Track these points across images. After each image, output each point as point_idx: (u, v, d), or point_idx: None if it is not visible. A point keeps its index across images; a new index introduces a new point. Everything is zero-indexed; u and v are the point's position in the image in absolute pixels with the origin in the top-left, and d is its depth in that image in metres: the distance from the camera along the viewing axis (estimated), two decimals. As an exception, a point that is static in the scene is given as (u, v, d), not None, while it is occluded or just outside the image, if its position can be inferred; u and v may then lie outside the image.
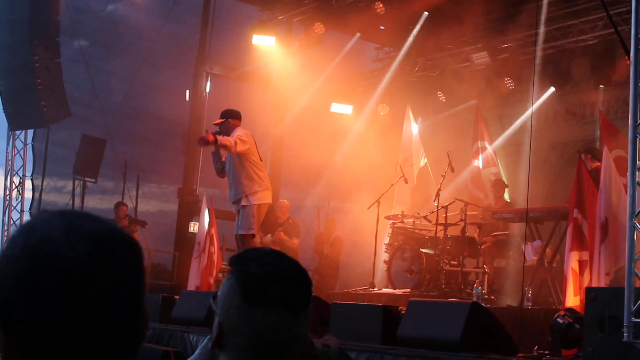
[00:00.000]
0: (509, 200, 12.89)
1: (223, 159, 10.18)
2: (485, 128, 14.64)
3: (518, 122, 15.50)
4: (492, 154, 14.40)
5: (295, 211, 17.61)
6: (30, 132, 17.51)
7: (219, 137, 9.61)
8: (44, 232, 1.33)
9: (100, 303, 1.30)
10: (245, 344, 1.86)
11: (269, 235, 14.40)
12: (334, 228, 15.66)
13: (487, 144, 14.50)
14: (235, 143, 9.64)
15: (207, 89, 17.72)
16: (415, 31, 15.91)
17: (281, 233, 14.32)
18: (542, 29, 13.93)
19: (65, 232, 1.32)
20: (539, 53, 14.31)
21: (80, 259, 1.29)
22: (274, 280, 1.87)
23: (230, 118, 10.07)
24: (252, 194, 9.87)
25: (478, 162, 14.41)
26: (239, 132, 9.82)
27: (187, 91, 17.59)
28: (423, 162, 14.62)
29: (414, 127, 15.00)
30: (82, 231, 1.33)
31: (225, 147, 9.67)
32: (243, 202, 9.91)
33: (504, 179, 13.70)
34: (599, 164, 10.47)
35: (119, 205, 15.40)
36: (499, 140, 15.53)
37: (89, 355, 1.30)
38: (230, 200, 10.11)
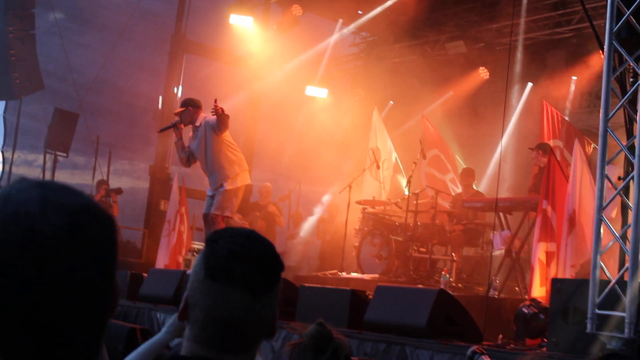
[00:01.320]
0: (477, 190, 12.97)
1: (187, 145, 10.13)
2: (435, 136, 14.46)
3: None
4: (445, 160, 14.22)
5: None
6: (2, 103, 17.34)
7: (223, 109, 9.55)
8: (19, 203, 1.32)
9: (71, 278, 1.30)
10: (204, 319, 1.86)
11: (255, 212, 14.47)
12: (336, 214, 15.60)
13: (438, 152, 14.38)
14: (226, 126, 9.67)
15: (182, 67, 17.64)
16: (380, 9, 15.82)
17: (273, 207, 14.39)
18: (522, 19, 14.00)
19: (41, 205, 1.31)
20: (519, 44, 14.41)
21: (54, 233, 1.29)
22: (237, 259, 1.86)
23: (191, 106, 9.99)
24: (235, 176, 9.83)
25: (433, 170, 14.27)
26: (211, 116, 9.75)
27: (160, 97, 17.43)
28: (394, 158, 14.55)
29: (380, 130, 14.88)
30: (57, 204, 1.32)
31: (224, 120, 9.59)
32: (226, 186, 9.84)
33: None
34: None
35: (101, 183, 15.24)
36: (474, 130, 15.54)
37: (57, 329, 1.30)
38: (212, 187, 9.99)
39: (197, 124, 9.90)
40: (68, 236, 1.30)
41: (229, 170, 9.80)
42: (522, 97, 15.28)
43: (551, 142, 12.31)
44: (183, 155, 10.14)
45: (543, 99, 12.44)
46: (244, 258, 1.87)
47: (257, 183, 18.09)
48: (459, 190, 13.09)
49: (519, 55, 14.65)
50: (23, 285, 1.28)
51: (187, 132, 10.14)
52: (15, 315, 1.29)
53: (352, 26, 17.25)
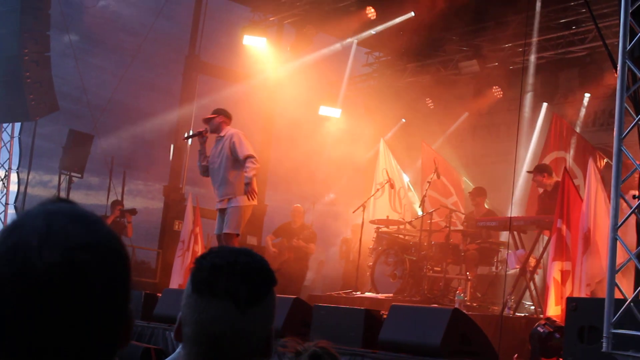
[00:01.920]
0: (489, 208, 12.94)
1: (208, 157, 10.19)
2: (437, 160, 14.44)
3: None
4: (448, 184, 14.19)
5: (282, 213, 17.63)
6: (18, 125, 17.44)
7: (249, 176, 9.58)
8: (22, 234, 1.30)
9: (65, 314, 1.27)
10: (192, 334, 1.86)
11: (283, 239, 14.32)
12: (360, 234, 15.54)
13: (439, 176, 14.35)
14: (253, 166, 9.68)
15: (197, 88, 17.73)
16: (392, 23, 15.83)
17: (299, 241, 14.19)
18: (535, 38, 14.00)
19: (40, 238, 1.29)
20: (531, 61, 14.41)
21: (47, 269, 1.26)
22: (220, 272, 1.85)
23: (222, 115, 10.09)
24: (241, 195, 9.86)
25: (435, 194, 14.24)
26: (242, 140, 9.82)
27: (172, 146, 17.56)
28: (406, 184, 14.53)
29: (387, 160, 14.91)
30: (57, 239, 1.29)
31: (254, 174, 9.66)
32: (232, 204, 9.89)
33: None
34: (556, 179, 10.60)
35: (115, 204, 15.30)
36: (487, 149, 15.52)
37: None
38: (218, 198, 10.07)
39: (222, 134, 9.98)
40: (62, 274, 1.27)
41: (238, 189, 9.84)
42: (539, 117, 15.25)
43: (554, 154, 12.32)
44: (203, 164, 10.20)
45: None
46: (227, 271, 1.86)
47: (272, 203, 18.15)
48: (462, 213, 13.07)
49: (531, 73, 14.64)
50: (15, 320, 1.26)
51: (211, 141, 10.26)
52: (10, 349, 1.27)
53: (353, 39, 17.26)
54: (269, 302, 1.90)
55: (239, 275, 1.86)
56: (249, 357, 1.87)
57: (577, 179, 11.72)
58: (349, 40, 16.96)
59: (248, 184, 9.53)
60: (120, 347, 1.38)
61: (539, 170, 11.13)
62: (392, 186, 13.61)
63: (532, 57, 14.48)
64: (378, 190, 13.88)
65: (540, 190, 11.30)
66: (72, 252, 1.29)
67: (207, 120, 10.10)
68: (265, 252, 13.93)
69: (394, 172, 14.36)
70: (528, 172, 11.28)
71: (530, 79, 14.63)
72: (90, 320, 1.30)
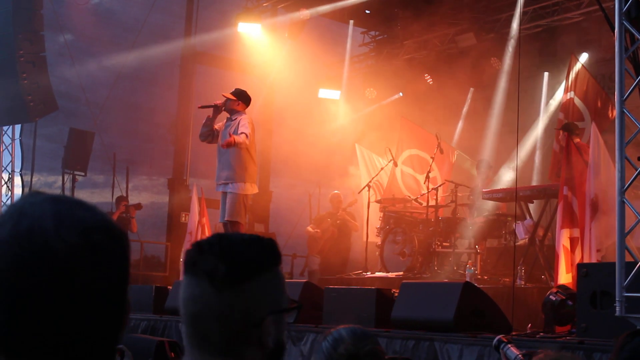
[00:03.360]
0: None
1: (215, 126, 10.28)
2: (418, 134, 14.49)
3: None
4: (428, 157, 14.03)
5: (286, 199, 17.63)
6: (18, 127, 17.43)
7: (235, 138, 9.68)
8: (33, 218, 1.32)
9: (84, 295, 1.30)
10: (182, 316, 1.83)
11: (327, 218, 14.39)
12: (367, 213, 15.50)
13: (417, 151, 14.35)
14: (244, 140, 9.79)
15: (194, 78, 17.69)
16: None
17: (344, 214, 14.28)
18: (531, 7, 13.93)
19: (55, 221, 1.31)
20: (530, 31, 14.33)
21: (68, 250, 1.29)
22: (200, 251, 1.82)
23: (241, 99, 10.20)
24: (241, 182, 9.91)
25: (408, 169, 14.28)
26: (246, 124, 9.93)
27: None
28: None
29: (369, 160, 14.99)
30: (72, 221, 1.32)
31: (239, 144, 9.75)
32: (230, 189, 9.98)
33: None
34: (578, 139, 10.55)
35: (120, 200, 15.31)
36: (492, 122, 15.40)
37: (70, 345, 1.30)
38: (217, 180, 10.21)
39: (234, 117, 10.08)
40: (82, 254, 1.31)
41: (238, 175, 9.93)
42: (542, 86, 15.21)
43: (567, 95, 12.33)
44: (205, 130, 10.34)
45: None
46: (210, 249, 1.81)
47: (276, 189, 18.14)
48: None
49: (528, 42, 14.55)
50: (36, 301, 1.28)
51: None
52: (29, 330, 1.29)
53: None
54: (257, 286, 1.80)
55: (220, 253, 1.80)
56: (235, 344, 1.78)
57: (584, 122, 11.77)
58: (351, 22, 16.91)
59: (231, 141, 9.62)
60: (124, 328, 1.40)
61: (563, 127, 11.11)
62: (395, 164, 13.57)
63: (528, 26, 14.41)
64: (382, 169, 13.86)
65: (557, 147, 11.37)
66: (89, 233, 1.32)
67: (226, 99, 10.19)
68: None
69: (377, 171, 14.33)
70: (557, 129, 11.31)
71: (528, 47, 14.52)
72: (105, 300, 1.34)
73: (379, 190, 13.97)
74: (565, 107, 12.44)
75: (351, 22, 17.03)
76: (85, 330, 1.31)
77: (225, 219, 10.02)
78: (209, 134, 10.32)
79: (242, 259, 1.81)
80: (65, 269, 1.29)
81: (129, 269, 1.40)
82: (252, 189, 10.17)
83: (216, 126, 10.28)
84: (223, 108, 10.20)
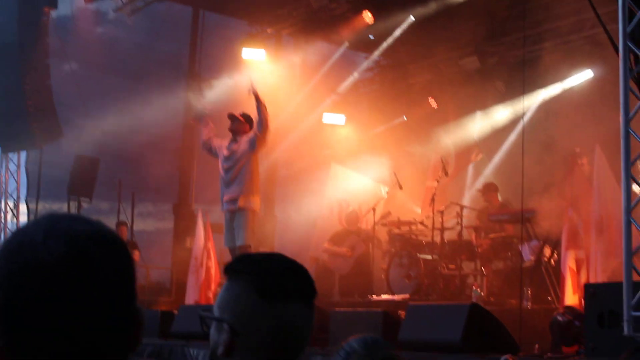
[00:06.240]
0: (502, 201, 12.91)
1: (207, 142, 10.67)
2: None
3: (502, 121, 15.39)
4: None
5: (290, 224, 17.57)
6: (23, 154, 17.47)
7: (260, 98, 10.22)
8: (26, 234, 1.33)
9: (77, 305, 1.29)
10: (263, 342, 1.84)
11: (352, 235, 13.84)
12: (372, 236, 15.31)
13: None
14: (268, 124, 10.26)
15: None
16: (397, 33, 15.86)
17: (368, 229, 13.74)
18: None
19: (44, 234, 1.32)
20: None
21: (55, 260, 1.29)
22: (289, 274, 1.88)
23: (249, 124, 10.56)
24: (253, 195, 10.03)
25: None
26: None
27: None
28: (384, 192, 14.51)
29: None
30: (60, 232, 1.32)
31: (261, 108, 10.20)
32: (240, 203, 10.02)
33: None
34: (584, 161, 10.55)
35: (119, 225, 15.37)
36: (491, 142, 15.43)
37: (68, 358, 1.29)
38: (222, 196, 10.30)
39: (238, 138, 10.39)
40: (68, 263, 1.29)
41: (249, 188, 10.02)
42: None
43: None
44: (204, 139, 10.87)
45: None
46: (293, 271, 1.95)
47: (281, 215, 18.08)
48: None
49: (530, 64, 14.58)
50: (29, 313, 1.28)
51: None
52: (25, 342, 1.28)
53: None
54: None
55: (302, 273, 1.98)
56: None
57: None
58: (346, 44, 16.94)
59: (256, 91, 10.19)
60: (132, 348, 1.37)
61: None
62: (400, 187, 13.58)
63: (530, 50, 14.45)
64: (387, 193, 13.89)
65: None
66: (76, 242, 1.31)
67: (234, 119, 10.38)
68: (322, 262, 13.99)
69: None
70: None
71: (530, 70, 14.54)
72: (98, 311, 1.31)
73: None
74: None
75: (345, 43, 17.00)
76: (82, 342, 1.29)
77: (238, 244, 10.03)
78: (206, 148, 10.79)
79: (311, 277, 1.99)
80: (53, 279, 1.28)
81: (130, 279, 1.37)
82: (259, 203, 10.34)
83: (214, 144, 10.57)
84: (211, 124, 10.76)
